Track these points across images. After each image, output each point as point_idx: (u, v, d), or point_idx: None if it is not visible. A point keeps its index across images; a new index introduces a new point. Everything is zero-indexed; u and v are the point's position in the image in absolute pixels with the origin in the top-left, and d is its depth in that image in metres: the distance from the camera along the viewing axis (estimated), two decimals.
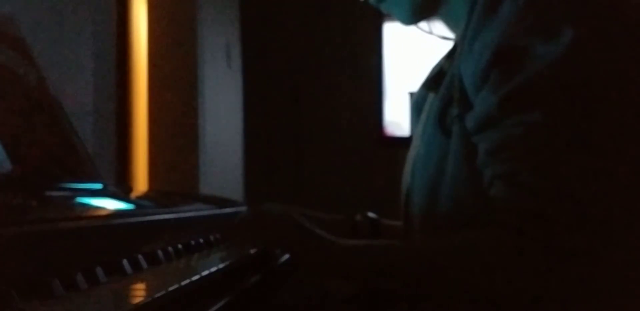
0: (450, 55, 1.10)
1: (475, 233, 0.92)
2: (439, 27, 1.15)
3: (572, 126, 0.86)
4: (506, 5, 0.92)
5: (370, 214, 1.29)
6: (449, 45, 1.14)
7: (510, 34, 0.90)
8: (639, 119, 0.88)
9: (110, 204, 1.13)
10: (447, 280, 0.92)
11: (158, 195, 1.69)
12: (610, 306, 0.89)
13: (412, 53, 3.65)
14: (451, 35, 1.13)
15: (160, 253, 0.91)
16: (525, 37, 0.89)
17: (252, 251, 1.07)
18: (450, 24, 1.10)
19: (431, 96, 1.10)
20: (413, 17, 1.10)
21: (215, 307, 0.82)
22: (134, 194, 1.57)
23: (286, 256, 1.18)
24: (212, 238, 1.14)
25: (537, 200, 0.86)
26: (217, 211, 1.36)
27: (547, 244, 0.85)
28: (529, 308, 0.89)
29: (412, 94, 2.99)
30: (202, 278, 0.81)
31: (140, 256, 0.85)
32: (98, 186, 1.25)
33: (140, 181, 2.97)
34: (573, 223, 0.85)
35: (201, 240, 1.10)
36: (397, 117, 3.84)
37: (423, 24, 1.15)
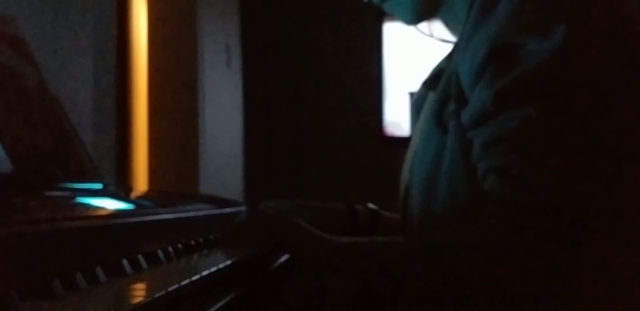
0: (450, 55, 1.10)
1: (470, 227, 0.92)
2: (439, 29, 1.15)
3: (565, 121, 0.87)
4: (502, 3, 0.93)
5: (371, 205, 1.30)
6: (450, 46, 1.15)
7: (506, 31, 0.91)
8: (632, 114, 0.88)
9: (110, 204, 1.13)
10: (443, 276, 0.92)
11: (158, 195, 1.69)
12: (605, 298, 0.89)
13: (412, 53, 3.65)
14: (452, 38, 1.13)
15: (160, 253, 0.91)
16: (519, 34, 0.90)
17: (252, 251, 1.07)
18: (451, 24, 1.11)
19: (430, 94, 1.10)
20: (415, 17, 1.11)
21: (216, 307, 0.82)
22: (134, 194, 1.58)
23: (286, 256, 1.18)
24: (212, 238, 1.14)
25: (529, 193, 0.87)
26: (217, 211, 1.36)
27: (538, 237, 0.86)
28: (523, 302, 0.89)
29: (412, 94, 2.99)
30: (202, 278, 0.81)
31: (140, 256, 0.85)
32: (98, 186, 1.25)
33: (140, 181, 2.97)
34: (565, 216, 0.85)
35: (201, 240, 1.10)
36: (397, 117, 3.84)
37: (424, 27, 1.16)
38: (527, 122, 0.88)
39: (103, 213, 1.04)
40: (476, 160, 0.94)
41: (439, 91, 1.03)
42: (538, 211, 0.86)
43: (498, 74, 0.90)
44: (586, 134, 0.87)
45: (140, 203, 1.39)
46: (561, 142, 0.87)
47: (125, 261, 0.80)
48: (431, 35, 1.17)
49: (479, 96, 0.92)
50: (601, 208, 0.86)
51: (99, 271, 0.73)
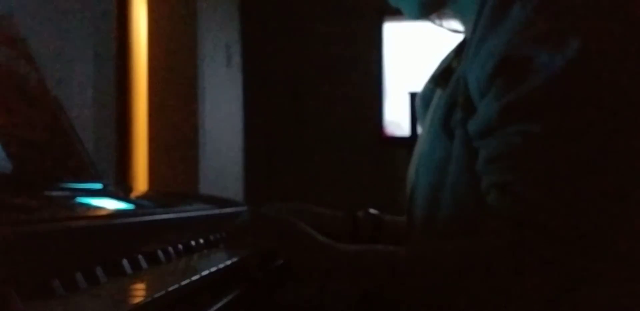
0: (459, 51, 1.09)
1: (470, 240, 0.92)
2: (449, 20, 1.14)
3: (570, 139, 0.86)
4: (515, 11, 0.91)
5: (372, 211, 1.29)
6: (451, 43, 1.14)
7: (517, 43, 0.89)
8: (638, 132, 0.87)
9: (110, 204, 1.13)
10: (442, 287, 0.92)
11: (158, 195, 1.69)
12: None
13: (412, 52, 3.65)
14: (461, 28, 1.12)
15: (160, 253, 0.91)
16: (531, 45, 0.88)
17: (252, 252, 1.07)
18: (460, 15, 1.09)
19: (438, 91, 1.09)
20: (421, 11, 1.09)
21: (215, 307, 0.82)
22: (134, 194, 1.58)
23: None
24: (212, 238, 1.14)
25: (529, 210, 0.86)
26: (217, 211, 1.36)
27: (537, 255, 0.85)
28: None
29: (412, 94, 2.98)
30: (202, 278, 0.81)
31: (140, 256, 0.85)
32: (98, 186, 1.25)
33: (140, 181, 2.97)
34: (564, 234, 0.85)
35: (201, 240, 1.10)
36: (397, 117, 3.83)
37: (434, 17, 1.14)
38: (532, 138, 0.86)
39: (103, 213, 1.04)
40: (480, 172, 0.93)
41: (447, 93, 1.01)
42: (537, 230, 0.85)
43: (506, 87, 0.88)
44: (591, 154, 0.85)
45: (140, 203, 1.39)
46: (565, 161, 0.85)
47: (125, 261, 0.80)
48: (441, 26, 1.16)
49: (486, 108, 0.91)
50: (601, 229, 0.85)
51: (99, 271, 0.73)
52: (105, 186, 1.28)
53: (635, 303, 0.90)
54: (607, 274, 0.87)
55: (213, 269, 0.87)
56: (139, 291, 0.74)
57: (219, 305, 0.83)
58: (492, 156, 0.90)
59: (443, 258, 0.92)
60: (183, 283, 0.75)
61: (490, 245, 0.89)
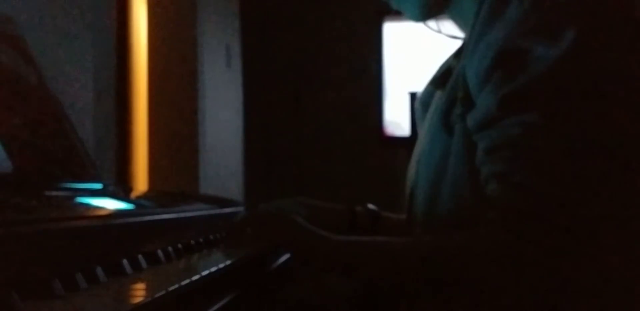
0: (458, 53, 1.10)
1: (470, 231, 0.92)
2: (447, 26, 1.15)
3: (570, 128, 0.87)
4: (512, 6, 0.92)
5: (371, 206, 1.30)
6: (453, 45, 1.14)
7: (514, 36, 0.90)
8: (637, 122, 0.88)
9: (110, 204, 1.13)
10: (441, 277, 0.92)
11: (158, 195, 1.69)
12: (602, 305, 0.89)
13: (412, 53, 3.65)
14: (460, 34, 1.13)
15: (160, 253, 0.91)
16: (527, 38, 0.89)
17: (252, 251, 1.07)
18: (459, 22, 1.10)
19: (438, 93, 1.10)
20: (423, 13, 1.10)
21: (216, 307, 0.82)
22: (134, 194, 1.58)
23: (286, 256, 1.18)
24: (212, 238, 1.14)
25: (530, 200, 0.87)
26: (217, 211, 1.36)
27: (538, 244, 0.86)
28: (519, 307, 0.89)
29: (412, 94, 2.99)
30: (202, 278, 0.81)
31: (140, 256, 0.85)
32: (98, 186, 1.25)
33: (140, 181, 2.97)
34: (565, 224, 0.85)
35: (201, 240, 1.10)
36: (397, 117, 3.83)
37: (432, 23, 1.15)
38: (531, 129, 0.87)
39: (103, 213, 1.04)
40: (480, 164, 0.93)
41: (446, 91, 1.02)
42: (538, 219, 0.86)
43: (504, 79, 0.90)
44: (590, 143, 0.86)
45: (140, 203, 1.39)
46: (564, 151, 0.86)
47: (125, 261, 0.80)
48: (439, 32, 1.16)
49: (485, 101, 0.92)
50: (604, 218, 0.86)
51: (99, 271, 0.73)
52: (105, 186, 1.28)
53: (636, 294, 0.90)
54: (608, 261, 0.87)
55: (213, 269, 0.87)
56: (139, 291, 0.74)
57: (219, 304, 0.83)
58: (491, 147, 0.91)
59: (442, 250, 0.93)
60: (183, 283, 0.75)
61: (490, 236, 0.89)
